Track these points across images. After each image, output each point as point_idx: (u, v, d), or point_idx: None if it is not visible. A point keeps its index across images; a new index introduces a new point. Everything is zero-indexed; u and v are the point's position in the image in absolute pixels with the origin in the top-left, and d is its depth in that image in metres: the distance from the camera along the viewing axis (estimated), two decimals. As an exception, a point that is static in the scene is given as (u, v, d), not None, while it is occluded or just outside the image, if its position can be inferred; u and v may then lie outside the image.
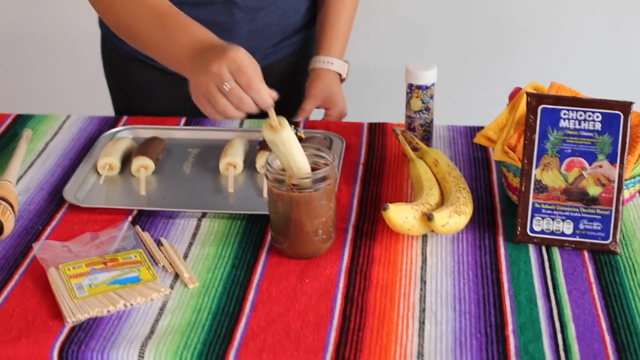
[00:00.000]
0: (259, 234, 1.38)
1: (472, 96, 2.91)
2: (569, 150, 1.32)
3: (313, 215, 1.29)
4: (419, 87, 1.53)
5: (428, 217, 1.31)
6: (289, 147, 1.26)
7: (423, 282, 1.27)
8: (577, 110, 1.32)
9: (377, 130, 1.69)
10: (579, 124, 1.32)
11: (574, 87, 1.49)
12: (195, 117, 1.74)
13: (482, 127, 1.68)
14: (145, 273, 1.27)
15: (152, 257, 1.32)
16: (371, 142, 1.65)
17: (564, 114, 1.32)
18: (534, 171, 1.34)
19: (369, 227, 1.39)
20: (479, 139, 1.46)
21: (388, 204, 1.30)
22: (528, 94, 1.34)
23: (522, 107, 1.46)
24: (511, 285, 1.26)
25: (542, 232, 1.34)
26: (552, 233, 1.34)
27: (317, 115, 1.85)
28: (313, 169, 1.30)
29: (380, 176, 1.54)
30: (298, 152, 1.27)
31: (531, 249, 1.34)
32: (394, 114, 1.91)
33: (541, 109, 1.33)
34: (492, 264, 1.30)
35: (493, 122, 1.46)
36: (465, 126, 1.70)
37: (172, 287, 1.27)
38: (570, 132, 1.32)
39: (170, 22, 1.39)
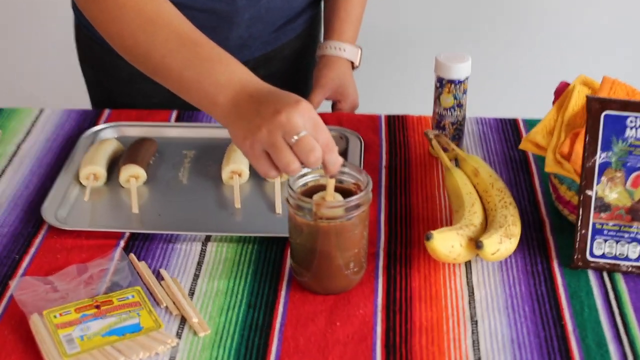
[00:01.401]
0: (275, 262, 1.19)
1: (500, 85, 2.62)
2: (636, 164, 1.14)
3: (344, 247, 1.09)
4: (451, 82, 1.33)
5: (477, 245, 1.12)
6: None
7: (474, 322, 1.09)
8: (647, 117, 1.13)
9: (397, 125, 1.49)
10: (649, 133, 1.14)
11: (627, 80, 1.30)
12: (188, 110, 1.52)
13: (514, 120, 1.49)
14: (147, 319, 1.08)
15: (152, 296, 1.13)
16: (392, 140, 1.45)
17: (631, 122, 1.14)
18: (595, 187, 1.15)
19: (402, 250, 1.20)
20: (525, 145, 1.27)
21: (432, 232, 1.11)
22: (590, 98, 1.14)
23: (572, 105, 1.27)
24: (575, 324, 1.08)
25: (603, 256, 1.16)
26: (615, 257, 1.16)
27: (325, 106, 1.64)
28: (342, 192, 1.10)
29: (408, 183, 1.34)
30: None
31: (591, 275, 1.16)
32: (413, 105, 1.70)
33: (604, 116, 1.14)
34: (550, 297, 1.12)
35: (540, 124, 1.27)
36: (496, 118, 1.51)
37: (179, 335, 1.07)
38: (638, 143, 1.14)
39: (205, 55, 1.14)
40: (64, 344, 1.04)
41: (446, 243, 1.12)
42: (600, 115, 1.14)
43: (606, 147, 1.14)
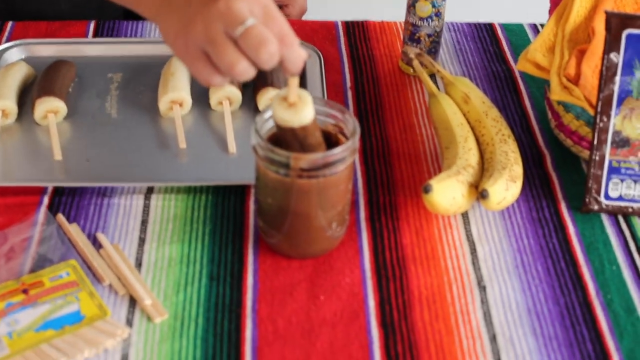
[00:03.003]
0: (236, 217, 0.99)
1: None
2: (663, 91, 0.97)
3: (327, 206, 0.90)
4: (430, -14, 1.12)
5: (481, 195, 0.94)
6: (310, 136, 0.86)
7: (482, 288, 0.92)
8: (675, 36, 0.95)
9: (358, 34, 1.28)
10: (677, 54, 0.96)
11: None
12: (106, 20, 1.27)
13: (490, 25, 1.29)
14: (89, 304, 0.87)
15: (91, 270, 0.92)
16: (353, 53, 1.24)
17: (658, 42, 0.96)
18: (612, 119, 0.98)
19: (385, 198, 1.01)
20: (523, 65, 1.08)
21: (430, 182, 0.93)
22: (609, 14, 0.95)
23: (574, 17, 1.08)
24: (598, 286, 0.93)
25: (620, 198, 1.00)
26: (634, 200, 1.00)
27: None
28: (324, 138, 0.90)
29: (380, 109, 1.14)
30: (319, 141, 0.87)
31: (606, 221, 1.00)
32: (370, 7, 1.48)
33: (627, 36, 0.96)
34: (564, 251, 0.96)
35: (537, 38, 1.08)
36: (469, 24, 1.31)
37: (129, 322, 0.87)
38: (665, 66, 0.96)
39: None
40: (-14, 344, 0.83)
41: (447, 194, 0.93)
42: (622, 34, 0.96)
43: (627, 71, 0.97)
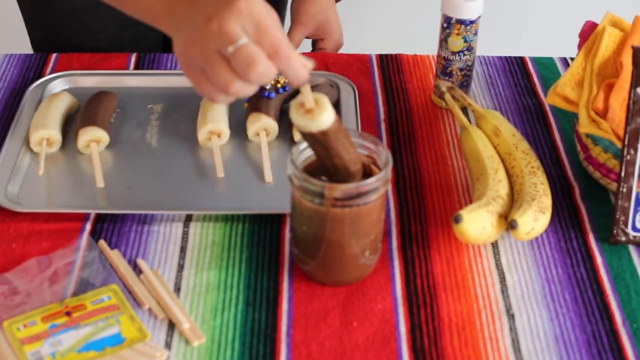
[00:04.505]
0: (272, 245, 1.02)
1: (504, 19, 2.23)
2: (689, 124, 0.99)
3: (360, 235, 0.93)
4: (461, 22, 1.15)
5: (511, 225, 0.96)
6: (333, 140, 0.88)
7: (510, 316, 0.94)
8: (702, 71, 0.98)
9: (392, 67, 1.31)
10: None
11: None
12: (148, 52, 1.32)
13: (521, 59, 1.32)
14: (129, 327, 0.90)
15: (131, 295, 0.95)
16: (387, 85, 1.27)
17: (684, 76, 0.98)
18: (639, 152, 1.00)
19: (417, 227, 1.04)
20: (553, 99, 1.10)
21: (461, 213, 0.95)
22: (636, 49, 0.98)
23: (603, 51, 1.11)
24: (624, 315, 0.94)
25: (647, 229, 1.02)
26: (661, 231, 1.02)
27: (305, 45, 1.44)
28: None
29: (412, 140, 1.17)
30: (345, 146, 0.89)
31: (633, 252, 1.02)
32: (404, 44, 1.51)
33: (654, 69, 0.98)
34: (592, 281, 0.98)
35: (567, 73, 1.11)
36: (500, 57, 1.33)
37: (168, 345, 0.90)
38: (692, 100, 0.98)
39: None
40: (31, 364, 0.86)
41: (477, 224, 0.96)
42: (649, 68, 0.98)
43: (654, 106, 0.99)
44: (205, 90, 0.87)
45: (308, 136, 0.87)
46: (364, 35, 1.74)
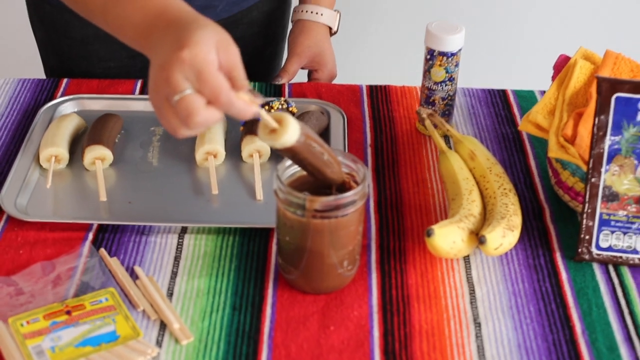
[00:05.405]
0: (259, 256, 1.09)
1: (487, 53, 2.38)
2: (648, 150, 1.07)
3: (338, 245, 1.01)
4: (443, 54, 1.24)
5: (480, 240, 1.04)
6: (302, 152, 0.95)
7: (477, 324, 1.01)
8: (660, 101, 1.05)
9: (380, 97, 1.40)
10: (662, 118, 1.06)
11: (628, 54, 1.22)
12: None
13: (504, 91, 1.40)
14: (124, 326, 0.98)
15: (127, 297, 1.03)
16: (375, 114, 1.36)
17: (644, 105, 1.06)
18: (602, 175, 1.07)
19: (395, 243, 1.11)
20: (525, 126, 1.18)
21: (433, 227, 1.03)
22: (600, 79, 1.06)
23: (574, 82, 1.19)
24: (584, 326, 1.01)
25: (609, 248, 1.09)
26: (622, 250, 1.09)
27: (301, 76, 1.53)
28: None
29: (396, 164, 1.25)
30: (316, 155, 0.96)
31: (597, 269, 1.09)
32: (394, 75, 1.60)
33: (615, 98, 1.06)
34: (556, 294, 1.05)
35: (540, 102, 1.19)
36: (483, 89, 1.42)
37: (159, 343, 0.98)
38: (651, 128, 1.06)
39: None
40: (33, 356, 0.94)
41: (448, 239, 1.04)
42: (611, 97, 1.06)
43: (616, 131, 1.06)
44: (166, 127, 0.94)
45: (280, 151, 0.95)
46: (357, 67, 1.82)
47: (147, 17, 0.97)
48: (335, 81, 1.54)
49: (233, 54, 0.91)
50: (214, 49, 0.89)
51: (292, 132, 0.92)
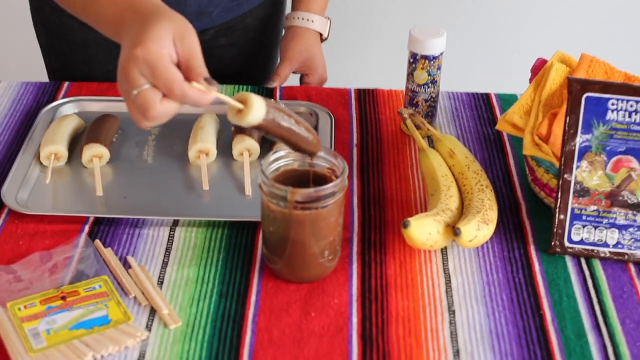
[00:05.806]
0: (246, 248, 1.15)
1: (472, 57, 2.49)
2: (617, 148, 1.12)
3: (319, 236, 1.06)
4: (425, 58, 1.29)
5: (454, 232, 1.09)
6: (271, 128, 0.98)
7: (451, 312, 1.06)
8: (628, 100, 1.11)
9: (368, 100, 1.45)
10: (629, 116, 1.11)
11: (605, 58, 1.27)
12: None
13: (487, 95, 1.46)
14: (115, 311, 1.04)
15: (120, 285, 1.08)
16: (362, 116, 1.41)
17: (613, 104, 1.11)
18: (574, 171, 1.13)
19: (376, 235, 1.17)
20: (502, 126, 1.24)
21: (409, 219, 1.08)
22: (571, 79, 1.11)
23: (550, 84, 1.24)
24: (554, 314, 1.06)
25: (581, 242, 1.14)
26: (594, 244, 1.14)
27: (293, 80, 1.59)
28: (317, 178, 1.07)
29: (380, 162, 1.30)
30: (286, 129, 1.00)
31: (569, 262, 1.14)
32: (383, 79, 1.66)
33: (585, 98, 1.11)
34: (528, 285, 1.10)
35: (516, 103, 1.24)
36: (467, 93, 1.47)
37: (149, 327, 1.03)
38: (619, 126, 1.12)
39: None
40: (29, 338, 0.99)
41: (423, 230, 1.09)
42: (582, 97, 1.11)
43: (587, 130, 1.12)
44: (132, 117, 0.99)
45: (253, 128, 0.98)
46: (347, 71, 1.89)
47: (117, 10, 1.03)
48: (326, 85, 1.60)
49: (189, 44, 0.95)
50: (170, 42, 0.94)
51: (257, 110, 0.95)
